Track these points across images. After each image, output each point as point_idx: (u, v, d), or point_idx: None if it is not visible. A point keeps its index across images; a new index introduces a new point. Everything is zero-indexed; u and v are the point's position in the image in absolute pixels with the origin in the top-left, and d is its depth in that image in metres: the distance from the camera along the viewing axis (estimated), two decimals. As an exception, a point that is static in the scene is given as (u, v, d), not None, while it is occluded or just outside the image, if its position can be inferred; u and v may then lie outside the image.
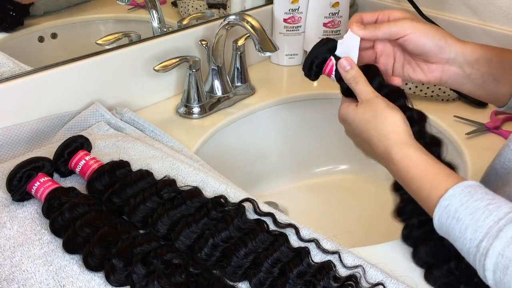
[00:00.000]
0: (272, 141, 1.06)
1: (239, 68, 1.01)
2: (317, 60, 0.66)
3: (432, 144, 0.63)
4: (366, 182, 1.04)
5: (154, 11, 1.00)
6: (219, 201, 0.67)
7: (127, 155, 0.77)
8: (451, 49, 0.65)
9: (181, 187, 0.70)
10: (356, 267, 0.60)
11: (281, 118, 1.05)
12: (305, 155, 1.08)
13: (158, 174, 0.72)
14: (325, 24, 1.13)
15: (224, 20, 0.88)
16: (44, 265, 0.59)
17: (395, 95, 0.64)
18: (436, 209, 0.52)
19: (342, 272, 0.59)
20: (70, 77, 0.84)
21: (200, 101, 0.95)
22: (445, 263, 0.59)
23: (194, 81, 0.93)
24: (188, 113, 0.95)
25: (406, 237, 0.64)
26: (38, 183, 0.67)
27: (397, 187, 0.66)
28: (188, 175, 0.73)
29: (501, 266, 0.47)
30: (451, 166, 0.61)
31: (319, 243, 0.63)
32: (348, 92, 0.65)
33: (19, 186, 0.66)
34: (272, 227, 0.65)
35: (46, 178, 0.68)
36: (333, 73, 0.65)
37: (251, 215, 0.67)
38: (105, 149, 0.78)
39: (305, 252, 0.60)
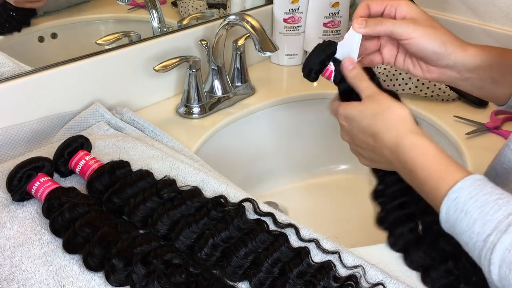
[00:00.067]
0: (272, 141, 1.06)
1: (239, 68, 1.01)
2: (315, 67, 0.66)
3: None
4: (366, 182, 1.04)
5: (154, 11, 1.00)
6: (219, 201, 0.67)
7: (127, 155, 0.77)
8: (450, 57, 0.65)
9: (181, 187, 0.70)
10: (356, 267, 0.60)
11: (281, 118, 1.05)
12: (305, 155, 1.08)
13: (158, 174, 0.72)
14: (325, 24, 1.13)
15: (224, 20, 0.88)
16: (44, 265, 0.59)
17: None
18: (444, 201, 0.52)
19: (342, 272, 0.59)
20: (70, 77, 0.84)
21: (200, 101, 0.95)
22: (442, 263, 0.59)
23: (194, 81, 0.93)
24: (188, 113, 0.95)
25: (394, 244, 0.63)
26: (38, 183, 0.67)
27: (377, 196, 0.66)
28: (188, 175, 0.73)
29: (508, 261, 0.46)
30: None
31: (319, 243, 0.62)
32: (345, 95, 0.66)
33: (19, 186, 0.66)
34: (272, 227, 0.65)
35: (46, 178, 0.68)
36: (332, 78, 0.66)
37: (251, 215, 0.67)
38: (105, 149, 0.78)
39: (305, 252, 0.60)
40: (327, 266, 0.59)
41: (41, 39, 0.91)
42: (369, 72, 0.65)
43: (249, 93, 1.03)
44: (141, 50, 0.93)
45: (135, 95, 0.95)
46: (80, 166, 0.71)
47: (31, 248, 0.61)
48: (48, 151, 0.77)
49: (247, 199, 0.68)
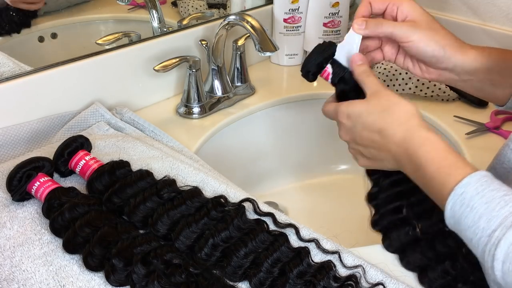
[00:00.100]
0: (272, 141, 1.06)
1: (239, 68, 1.01)
2: (313, 69, 0.67)
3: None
4: (366, 182, 1.04)
5: (154, 11, 1.00)
6: (219, 201, 0.67)
7: (127, 155, 0.77)
8: (449, 60, 0.65)
9: (181, 187, 0.70)
10: (356, 267, 0.60)
11: (281, 118, 1.05)
12: (305, 155, 1.08)
13: (158, 174, 0.72)
14: (325, 24, 1.13)
15: (224, 20, 0.88)
16: (44, 265, 0.59)
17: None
18: (451, 197, 0.51)
19: (342, 272, 0.59)
20: (70, 77, 0.84)
21: (200, 101, 0.95)
22: (438, 264, 0.59)
23: (194, 81, 0.93)
24: (188, 113, 0.95)
25: (389, 246, 0.64)
26: (38, 183, 0.67)
27: (371, 198, 0.66)
28: (188, 175, 0.73)
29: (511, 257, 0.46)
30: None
31: (319, 243, 0.62)
32: (343, 96, 0.66)
33: (19, 186, 0.66)
34: (272, 227, 0.65)
35: (46, 178, 0.68)
36: (330, 79, 0.66)
37: (251, 215, 0.67)
38: (105, 149, 0.78)
39: (305, 252, 0.60)
40: (327, 266, 0.59)
41: (41, 39, 0.91)
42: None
43: (249, 93, 1.03)
44: (141, 50, 0.93)
45: (135, 95, 0.95)
46: (80, 166, 0.71)
47: (31, 248, 0.61)
48: (48, 151, 0.77)
49: (247, 199, 0.68)
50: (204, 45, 0.95)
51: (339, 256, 0.61)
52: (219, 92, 0.97)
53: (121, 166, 0.71)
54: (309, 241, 0.63)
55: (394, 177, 0.64)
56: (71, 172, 0.73)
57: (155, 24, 1.00)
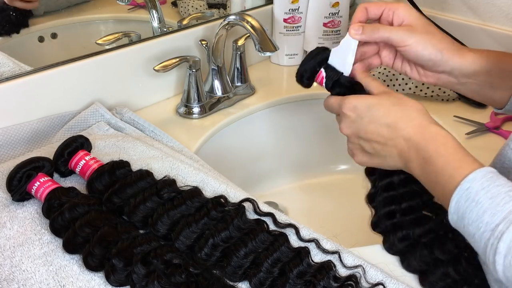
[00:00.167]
0: (272, 141, 1.06)
1: (239, 68, 1.01)
2: (306, 74, 0.67)
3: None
4: (366, 182, 1.04)
5: (154, 11, 1.00)
6: (219, 201, 0.67)
7: (127, 155, 0.77)
8: (447, 63, 0.65)
9: (181, 187, 0.70)
10: (356, 267, 0.60)
11: (281, 118, 1.05)
12: (305, 155, 1.08)
13: (158, 174, 0.72)
14: (325, 24, 1.13)
15: (224, 20, 0.88)
16: (44, 265, 0.59)
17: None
18: (456, 191, 0.52)
19: (342, 272, 0.59)
20: (70, 77, 0.84)
21: (200, 101, 0.95)
22: (437, 267, 0.59)
23: (194, 81, 0.93)
24: (188, 113, 0.95)
25: (389, 249, 0.64)
26: (38, 183, 0.67)
27: (370, 199, 0.67)
28: (188, 175, 0.73)
29: None
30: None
31: (319, 243, 0.62)
32: (340, 93, 0.66)
33: (19, 186, 0.66)
34: (272, 227, 0.65)
35: (46, 178, 0.68)
36: (324, 84, 0.67)
37: (251, 215, 0.67)
38: (105, 149, 0.78)
39: (305, 252, 0.60)
40: (327, 266, 0.59)
41: (41, 39, 0.91)
42: (360, 87, 0.65)
43: (249, 93, 1.03)
44: (141, 50, 0.93)
45: (135, 95, 0.95)
46: (80, 166, 0.71)
47: (31, 248, 0.61)
48: (48, 151, 0.77)
49: (247, 199, 0.68)
50: (204, 45, 0.95)
51: (339, 256, 0.61)
52: (219, 92, 0.97)
53: (121, 166, 0.71)
54: (309, 241, 0.63)
55: (389, 180, 0.64)
56: (71, 172, 0.73)
57: (155, 24, 1.00)
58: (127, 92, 0.93)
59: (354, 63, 0.65)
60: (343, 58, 0.65)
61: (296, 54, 1.17)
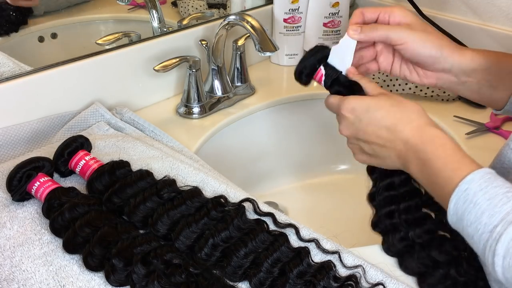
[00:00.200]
0: (272, 141, 1.06)
1: (239, 68, 1.01)
2: (305, 71, 0.67)
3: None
4: (366, 182, 1.04)
5: (154, 11, 1.00)
6: (219, 201, 0.67)
7: (127, 155, 0.77)
8: (446, 60, 0.65)
9: (181, 187, 0.70)
10: (356, 267, 0.60)
11: (281, 118, 1.05)
12: (305, 155, 1.08)
13: (158, 174, 0.72)
14: (325, 24, 1.13)
15: (224, 20, 0.88)
16: (44, 265, 0.59)
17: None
18: (455, 192, 0.52)
19: (342, 272, 0.59)
20: (70, 77, 0.84)
21: (200, 101, 0.95)
22: (436, 269, 0.59)
23: (194, 81, 0.93)
24: (188, 113, 0.95)
25: (388, 249, 0.64)
26: (38, 183, 0.67)
27: (371, 198, 0.67)
28: (188, 175, 0.73)
29: None
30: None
31: (319, 243, 0.62)
32: (339, 91, 0.66)
33: (19, 186, 0.66)
34: (272, 227, 0.65)
35: (46, 178, 0.68)
36: (322, 82, 0.67)
37: (251, 215, 0.67)
38: (105, 149, 0.78)
39: (305, 252, 0.60)
40: (327, 266, 0.59)
41: (41, 39, 0.92)
42: (358, 87, 0.65)
43: (249, 93, 1.03)
44: (141, 50, 0.93)
45: (135, 95, 0.95)
46: (80, 166, 0.71)
47: (31, 248, 0.61)
48: (48, 151, 0.77)
49: (247, 199, 0.68)
50: (204, 45, 0.95)
51: (339, 256, 0.61)
52: (219, 92, 0.97)
53: (121, 166, 0.71)
54: (309, 241, 0.63)
55: (389, 180, 0.64)
56: (71, 172, 0.73)
57: (155, 24, 1.00)
58: (127, 92, 0.93)
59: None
60: (341, 58, 0.66)
61: (296, 54, 1.16)
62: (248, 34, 0.90)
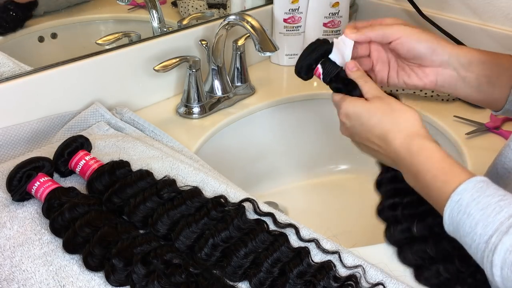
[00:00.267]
0: (272, 141, 1.06)
1: (239, 68, 1.01)
2: (302, 71, 0.68)
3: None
4: (366, 182, 1.03)
5: (154, 11, 1.00)
6: (219, 201, 0.67)
7: (127, 155, 0.77)
8: (444, 51, 0.65)
9: (181, 187, 0.70)
10: (356, 267, 0.60)
11: (281, 118, 1.05)
12: (305, 155, 1.08)
13: (158, 174, 0.72)
14: (325, 24, 1.13)
15: (224, 20, 0.88)
16: (44, 265, 0.59)
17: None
18: (448, 204, 0.52)
19: (342, 272, 0.59)
20: (70, 77, 0.84)
21: (200, 101, 0.95)
22: (432, 264, 0.59)
23: (194, 81, 0.93)
24: (188, 113, 0.95)
25: (389, 239, 0.64)
26: (38, 183, 0.67)
27: (377, 186, 0.67)
28: (188, 175, 0.73)
29: (509, 262, 0.46)
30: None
31: (319, 243, 0.62)
32: (338, 91, 0.66)
33: (19, 186, 0.66)
34: (272, 227, 0.65)
35: (46, 178, 0.68)
36: (321, 79, 0.67)
37: (251, 215, 0.67)
38: (105, 149, 0.78)
39: (305, 252, 0.60)
40: (327, 266, 0.59)
41: (41, 39, 0.91)
42: (354, 85, 0.65)
43: (249, 93, 1.03)
44: (141, 50, 0.93)
45: (135, 95, 0.95)
46: (80, 166, 0.71)
47: (31, 248, 0.61)
48: (48, 151, 0.77)
49: (247, 199, 0.68)
50: (204, 45, 0.95)
51: (339, 256, 0.61)
52: (219, 92, 0.97)
53: (121, 166, 0.71)
54: (309, 241, 0.63)
55: (394, 173, 0.64)
56: (71, 172, 0.73)
57: (155, 24, 1.00)
58: (127, 92, 0.93)
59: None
60: (339, 56, 0.66)
61: (296, 54, 1.16)
62: (248, 34, 0.90)
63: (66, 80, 0.84)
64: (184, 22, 1.04)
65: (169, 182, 0.69)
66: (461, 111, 0.97)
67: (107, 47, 0.92)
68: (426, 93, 1.00)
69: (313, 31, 1.14)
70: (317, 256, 0.61)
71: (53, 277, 0.58)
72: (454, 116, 0.95)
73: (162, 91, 0.99)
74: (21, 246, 0.61)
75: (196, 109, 0.94)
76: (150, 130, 0.85)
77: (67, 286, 0.57)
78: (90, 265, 0.59)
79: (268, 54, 0.84)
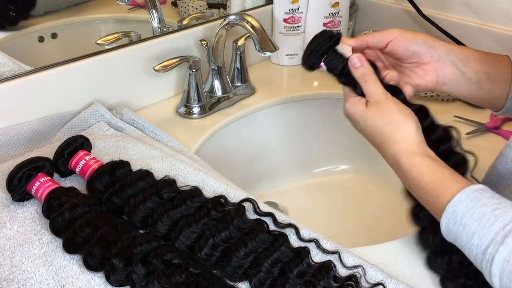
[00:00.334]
0: (272, 141, 1.06)
1: (239, 68, 1.01)
2: (307, 69, 0.68)
3: (443, 139, 0.64)
4: (366, 182, 1.04)
5: (154, 11, 1.00)
6: (219, 201, 0.67)
7: (127, 155, 0.77)
8: (440, 46, 0.66)
9: (181, 187, 0.70)
10: (356, 267, 0.60)
11: (281, 118, 1.05)
12: (305, 155, 1.08)
13: (158, 174, 0.72)
14: (325, 24, 1.13)
15: (224, 20, 0.88)
16: (44, 265, 0.59)
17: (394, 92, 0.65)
18: (443, 216, 0.53)
19: (342, 272, 0.59)
20: (70, 77, 0.84)
21: (200, 101, 0.95)
22: (458, 277, 0.58)
23: (194, 81, 0.93)
24: (188, 113, 0.95)
25: (425, 245, 0.63)
26: (38, 183, 0.67)
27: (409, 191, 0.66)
28: (188, 175, 0.73)
29: (507, 272, 0.47)
30: (464, 158, 0.62)
31: (319, 243, 0.62)
32: (345, 83, 0.67)
33: (19, 186, 0.66)
34: (272, 227, 0.65)
35: (46, 178, 0.68)
36: (323, 68, 0.67)
37: (251, 215, 0.67)
38: (105, 149, 0.78)
39: (305, 252, 0.60)
40: (327, 266, 0.59)
41: (41, 39, 0.91)
42: (373, 67, 0.65)
43: (249, 93, 1.03)
44: (141, 50, 0.93)
45: (135, 95, 0.95)
46: (80, 166, 0.71)
47: (31, 248, 0.61)
48: (48, 151, 0.77)
49: (247, 199, 0.68)
50: (204, 45, 0.95)
51: (339, 256, 0.61)
52: (219, 92, 0.97)
53: (121, 166, 0.71)
54: (309, 241, 0.63)
55: None
56: (71, 172, 0.73)
57: (155, 24, 1.00)
58: (127, 92, 0.93)
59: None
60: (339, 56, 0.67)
61: (296, 54, 1.16)
62: (248, 34, 0.90)
63: (66, 80, 0.84)
64: (184, 22, 1.04)
65: (169, 182, 0.69)
66: (461, 111, 0.97)
67: (107, 47, 0.92)
68: (426, 93, 1.00)
69: (313, 31, 1.13)
70: (317, 256, 0.61)
71: (53, 277, 0.58)
72: (454, 116, 0.95)
73: (162, 91, 0.99)
74: (21, 246, 0.61)
75: (196, 109, 0.94)
76: (150, 130, 0.85)
77: (67, 286, 0.57)
78: (90, 265, 0.59)
79: (268, 54, 0.84)
